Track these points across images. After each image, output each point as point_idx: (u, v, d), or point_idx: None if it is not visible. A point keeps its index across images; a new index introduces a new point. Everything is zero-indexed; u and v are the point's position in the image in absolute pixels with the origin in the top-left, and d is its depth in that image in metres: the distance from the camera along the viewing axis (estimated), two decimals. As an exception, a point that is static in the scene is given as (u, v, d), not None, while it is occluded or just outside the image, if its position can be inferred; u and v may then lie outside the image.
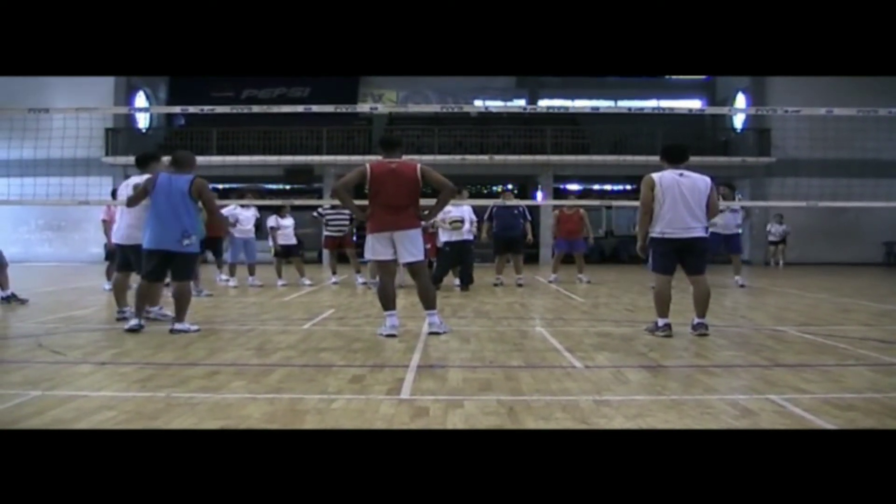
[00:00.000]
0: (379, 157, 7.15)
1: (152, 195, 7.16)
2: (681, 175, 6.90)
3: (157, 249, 7.12)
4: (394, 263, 7.23)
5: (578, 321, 8.35)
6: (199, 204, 7.28)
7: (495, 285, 13.27)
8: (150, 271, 7.23)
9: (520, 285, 13.22)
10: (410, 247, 6.99)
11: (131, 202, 7.49)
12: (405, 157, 7.23)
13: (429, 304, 7.13)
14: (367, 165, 7.02)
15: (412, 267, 7.17)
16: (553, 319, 8.54)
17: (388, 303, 7.06)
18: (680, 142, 8.38)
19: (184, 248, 7.08)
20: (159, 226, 7.08)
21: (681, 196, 6.80)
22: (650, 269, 7.20)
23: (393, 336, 6.82)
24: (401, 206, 6.92)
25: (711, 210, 7.02)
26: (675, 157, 7.05)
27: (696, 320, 6.98)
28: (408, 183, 6.93)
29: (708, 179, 6.94)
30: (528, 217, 14.25)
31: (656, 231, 6.93)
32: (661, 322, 6.94)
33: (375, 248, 7.03)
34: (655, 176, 6.93)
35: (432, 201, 7.24)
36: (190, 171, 7.30)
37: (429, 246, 10.14)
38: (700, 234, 6.90)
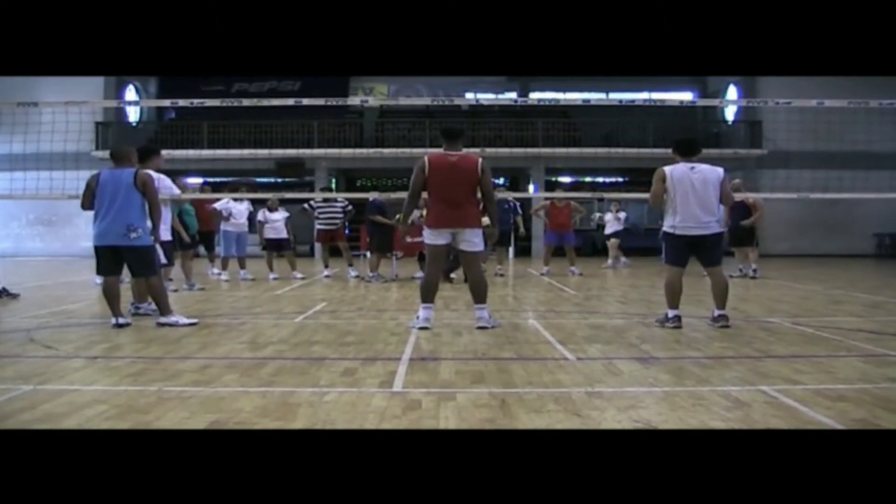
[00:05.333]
0: (439, 150, 7.01)
1: (97, 192, 7.07)
2: (692, 168, 6.86)
3: (103, 246, 7.06)
4: (445, 255, 7.18)
5: (570, 313, 8.36)
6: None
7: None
8: (104, 268, 7.22)
9: (501, 275, 13.63)
10: (470, 241, 6.91)
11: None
12: (465, 150, 7.07)
13: (479, 297, 6.99)
14: (426, 158, 6.87)
15: (466, 257, 7.07)
16: (545, 312, 8.54)
17: (429, 295, 6.98)
18: (673, 134, 8.40)
19: (131, 242, 6.97)
20: (104, 222, 7.00)
21: (692, 190, 6.77)
22: (663, 262, 7.18)
23: (426, 329, 6.79)
24: (461, 201, 6.79)
25: (725, 200, 7.06)
26: (686, 150, 7.00)
27: (717, 312, 6.98)
28: (468, 177, 6.79)
29: (720, 171, 6.89)
30: (519, 211, 14.35)
31: (668, 226, 6.94)
32: (671, 313, 6.95)
33: (431, 237, 6.93)
34: (667, 169, 6.91)
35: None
36: (130, 165, 7.23)
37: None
38: (713, 229, 6.90)
